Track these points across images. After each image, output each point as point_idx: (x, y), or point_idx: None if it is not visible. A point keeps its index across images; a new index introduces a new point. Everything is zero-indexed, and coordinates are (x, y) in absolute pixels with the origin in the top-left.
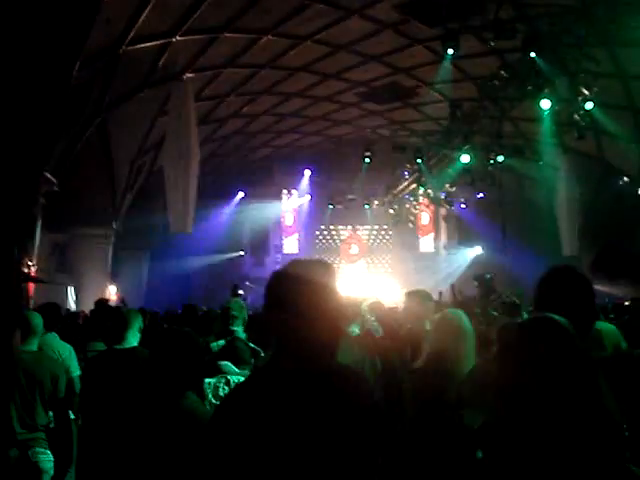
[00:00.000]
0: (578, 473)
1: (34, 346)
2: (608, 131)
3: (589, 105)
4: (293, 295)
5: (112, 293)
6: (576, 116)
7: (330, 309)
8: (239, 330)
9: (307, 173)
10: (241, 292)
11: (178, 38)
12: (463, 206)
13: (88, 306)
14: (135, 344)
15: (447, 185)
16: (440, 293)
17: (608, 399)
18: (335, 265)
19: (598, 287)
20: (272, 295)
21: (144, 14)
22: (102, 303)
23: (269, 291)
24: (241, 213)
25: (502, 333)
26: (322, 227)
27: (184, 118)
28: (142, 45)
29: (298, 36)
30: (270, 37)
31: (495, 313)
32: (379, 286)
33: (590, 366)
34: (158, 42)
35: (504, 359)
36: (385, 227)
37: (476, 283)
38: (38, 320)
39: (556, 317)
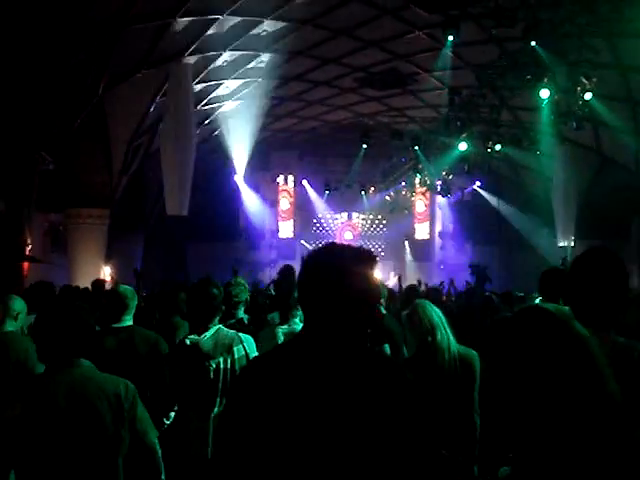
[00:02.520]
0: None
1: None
2: (606, 122)
3: (588, 96)
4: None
5: (107, 274)
6: (575, 106)
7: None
8: (240, 312)
9: (304, 158)
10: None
11: (178, 19)
12: (460, 194)
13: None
14: (131, 323)
15: (444, 173)
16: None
17: (611, 383)
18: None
19: None
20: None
21: None
22: (99, 284)
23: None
24: (237, 197)
25: (493, 329)
26: (317, 212)
27: (182, 100)
28: (141, 25)
29: (298, 20)
30: (269, 20)
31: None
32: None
33: (588, 353)
34: (157, 22)
35: (501, 356)
36: (381, 214)
37: (471, 272)
38: (18, 305)
39: (548, 305)
